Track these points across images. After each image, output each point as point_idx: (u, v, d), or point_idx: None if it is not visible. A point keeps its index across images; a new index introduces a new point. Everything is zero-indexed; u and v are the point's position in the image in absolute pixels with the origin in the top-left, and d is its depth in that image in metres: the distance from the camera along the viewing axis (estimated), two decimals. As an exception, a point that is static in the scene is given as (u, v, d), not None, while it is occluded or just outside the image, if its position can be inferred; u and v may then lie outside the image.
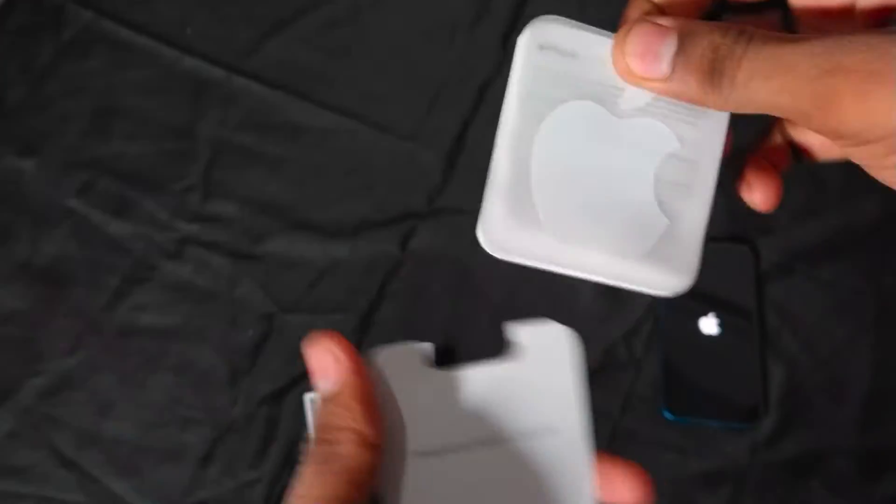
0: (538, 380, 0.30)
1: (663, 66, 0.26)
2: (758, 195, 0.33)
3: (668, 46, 0.26)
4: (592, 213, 0.30)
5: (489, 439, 0.29)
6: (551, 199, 0.30)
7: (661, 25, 0.26)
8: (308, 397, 0.29)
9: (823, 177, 0.70)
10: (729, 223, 0.68)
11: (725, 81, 0.26)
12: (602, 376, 0.62)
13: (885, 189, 0.71)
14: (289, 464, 0.59)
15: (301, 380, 0.62)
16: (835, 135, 0.25)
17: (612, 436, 0.61)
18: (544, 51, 0.29)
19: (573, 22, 0.29)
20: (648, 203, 0.30)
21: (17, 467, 0.59)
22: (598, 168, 0.30)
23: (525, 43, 0.29)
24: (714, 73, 0.26)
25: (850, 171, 0.72)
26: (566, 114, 0.30)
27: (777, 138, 0.34)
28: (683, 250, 0.31)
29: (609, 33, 0.30)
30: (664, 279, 0.31)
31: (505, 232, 0.30)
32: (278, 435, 0.60)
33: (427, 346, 0.29)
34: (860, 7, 0.29)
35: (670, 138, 0.30)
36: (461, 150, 0.71)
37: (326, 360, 0.27)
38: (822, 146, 0.33)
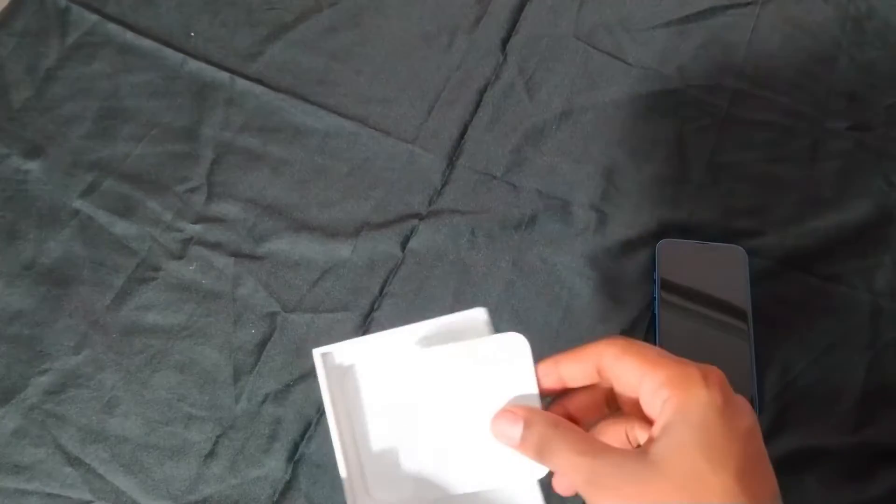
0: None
1: (515, 440, 0.41)
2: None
3: (517, 429, 0.41)
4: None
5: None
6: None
7: (513, 413, 0.41)
8: (317, 352, 0.43)
9: (817, 177, 0.71)
10: (723, 224, 0.68)
11: (546, 461, 0.40)
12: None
13: (877, 190, 0.72)
14: (292, 461, 0.60)
15: (304, 378, 0.62)
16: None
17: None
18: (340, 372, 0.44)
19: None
20: None
21: (22, 464, 0.59)
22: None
23: (320, 367, 0.43)
24: (541, 455, 0.40)
25: (843, 172, 0.72)
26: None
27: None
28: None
29: (382, 333, 0.44)
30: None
31: None
32: (282, 432, 0.60)
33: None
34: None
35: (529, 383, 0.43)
36: (461, 151, 0.72)
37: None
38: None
